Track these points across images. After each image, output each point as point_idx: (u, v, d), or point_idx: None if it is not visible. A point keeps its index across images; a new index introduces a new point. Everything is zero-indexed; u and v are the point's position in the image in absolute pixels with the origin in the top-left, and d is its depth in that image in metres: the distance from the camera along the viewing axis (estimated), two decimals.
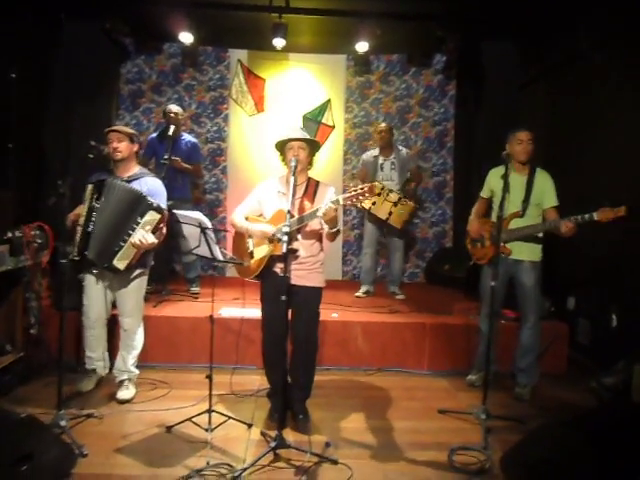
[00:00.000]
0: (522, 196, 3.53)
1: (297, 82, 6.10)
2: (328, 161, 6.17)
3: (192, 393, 3.45)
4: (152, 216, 3.14)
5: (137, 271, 3.34)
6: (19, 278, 3.66)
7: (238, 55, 6.04)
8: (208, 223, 2.80)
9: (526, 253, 3.58)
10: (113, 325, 3.57)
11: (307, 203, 3.04)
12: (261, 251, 3.07)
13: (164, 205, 3.33)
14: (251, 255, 3.16)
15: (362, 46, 5.34)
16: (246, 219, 3.21)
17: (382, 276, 5.86)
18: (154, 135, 5.05)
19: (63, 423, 2.76)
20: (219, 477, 2.52)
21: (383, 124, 5.20)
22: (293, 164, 2.91)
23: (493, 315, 3.74)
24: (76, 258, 3.15)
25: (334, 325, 4.20)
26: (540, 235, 3.60)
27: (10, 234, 3.45)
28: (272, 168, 5.41)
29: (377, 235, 5.18)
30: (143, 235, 3.09)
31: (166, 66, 6.00)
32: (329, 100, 6.12)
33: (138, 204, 3.14)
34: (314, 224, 3.02)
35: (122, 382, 3.42)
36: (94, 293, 3.33)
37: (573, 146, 4.71)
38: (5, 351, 3.63)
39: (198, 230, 2.78)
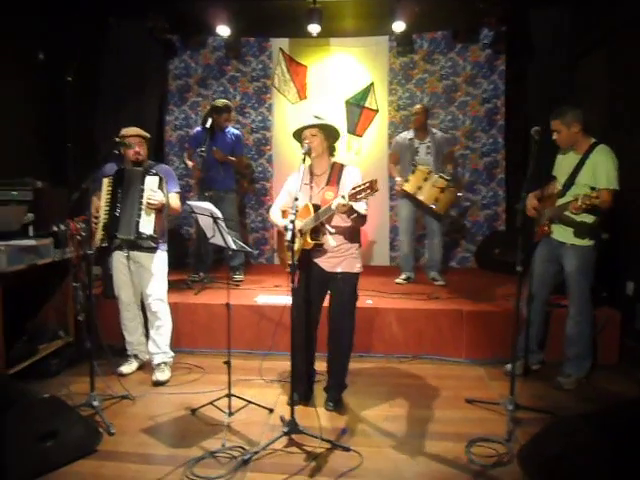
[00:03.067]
0: (567, 176, 3.32)
1: (339, 67, 6.04)
2: (373, 145, 6.09)
3: (224, 378, 3.52)
4: (151, 179, 3.42)
5: (158, 254, 3.56)
6: (69, 269, 3.94)
7: (280, 44, 6.06)
8: (218, 213, 2.87)
9: (569, 235, 3.36)
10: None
11: (329, 193, 3.02)
12: (296, 244, 3.10)
13: (177, 186, 3.68)
14: (288, 249, 3.20)
15: (399, 25, 5.18)
16: (283, 212, 3.26)
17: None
18: (199, 128, 5.20)
19: (96, 403, 2.98)
20: (231, 459, 2.60)
21: (418, 105, 5.04)
22: (303, 151, 2.91)
23: (531, 300, 3.60)
24: (105, 244, 3.40)
25: (368, 312, 4.17)
26: (587, 218, 3.29)
27: (55, 228, 3.72)
28: None
29: (413, 220, 5.04)
30: (151, 194, 3.36)
31: (211, 60, 6.15)
32: (372, 83, 6.01)
33: (138, 176, 3.43)
34: (339, 217, 3.00)
35: (158, 365, 3.61)
36: (122, 277, 3.58)
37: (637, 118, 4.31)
38: (57, 336, 3.94)
39: (211, 221, 2.86)
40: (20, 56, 4.97)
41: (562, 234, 3.41)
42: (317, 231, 2.98)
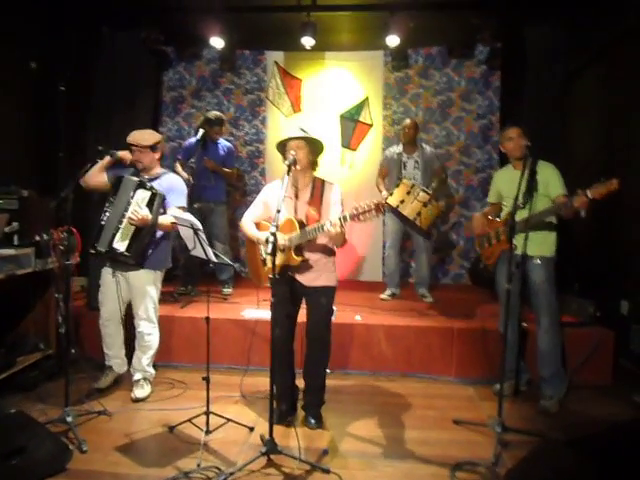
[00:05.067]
0: (523, 189, 3.27)
1: (334, 81, 6.02)
2: (367, 159, 6.04)
3: (205, 394, 3.47)
4: (143, 193, 3.25)
5: (147, 272, 3.41)
6: (51, 279, 3.86)
7: (274, 57, 6.05)
8: (199, 225, 2.80)
9: (534, 248, 3.31)
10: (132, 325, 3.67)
11: (312, 209, 2.97)
12: (277, 259, 3.02)
13: (182, 201, 3.45)
14: (264, 262, 3.13)
15: (393, 40, 5.15)
16: (257, 224, 3.19)
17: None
18: (192, 140, 5.15)
19: (69, 419, 2.88)
20: None
21: (408, 120, 4.99)
22: (287, 162, 2.85)
23: (509, 319, 3.50)
24: (91, 252, 3.28)
25: (357, 328, 4.09)
26: (550, 229, 3.36)
27: (38, 237, 3.65)
28: None
29: (400, 235, 4.99)
30: (136, 208, 3.17)
31: (205, 71, 6.14)
32: (367, 98, 5.99)
33: (131, 187, 3.27)
34: (320, 236, 2.93)
35: (138, 381, 3.51)
36: (108, 291, 3.44)
37: (638, 132, 4.27)
38: (38, 348, 3.85)
39: (192, 232, 2.79)
40: (12, 65, 4.94)
41: (529, 248, 3.33)
42: (300, 248, 2.92)
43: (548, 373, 3.39)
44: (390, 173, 4.95)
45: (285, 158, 3.00)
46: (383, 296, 4.97)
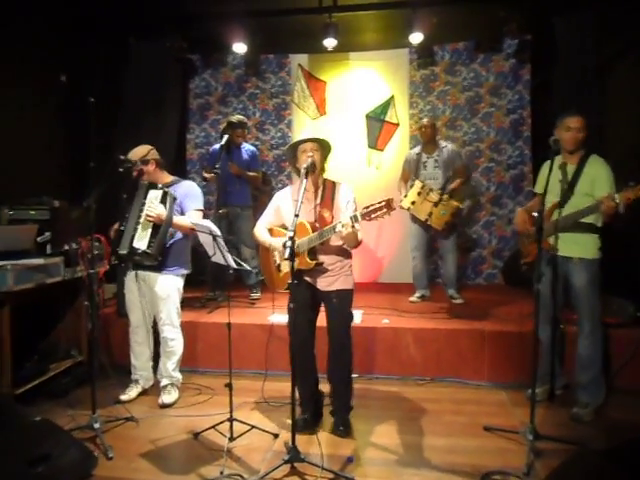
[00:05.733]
0: (565, 185, 3.12)
1: (359, 81, 5.97)
2: (394, 159, 5.95)
3: (233, 399, 3.45)
4: (154, 193, 3.34)
5: (169, 277, 3.45)
6: (80, 287, 3.94)
7: (299, 60, 6.05)
8: (218, 232, 2.79)
9: (575, 249, 3.15)
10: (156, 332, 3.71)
11: (326, 211, 2.93)
12: (288, 265, 2.99)
13: (198, 204, 3.50)
14: (278, 268, 3.12)
15: (417, 37, 5.06)
16: (270, 231, 3.17)
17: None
18: (216, 146, 5.18)
19: (97, 425, 2.92)
20: None
21: (425, 119, 4.89)
22: (305, 166, 2.81)
23: (543, 320, 3.37)
24: (115, 262, 3.34)
25: (384, 332, 4.01)
26: (592, 231, 3.13)
27: (67, 247, 3.72)
28: (335, 171, 5.34)
29: (425, 236, 4.87)
30: (150, 206, 3.26)
31: (231, 77, 6.19)
32: (392, 97, 5.91)
33: (143, 189, 3.38)
34: (334, 237, 2.88)
35: (165, 387, 3.53)
36: (132, 298, 3.50)
37: None
38: (70, 355, 3.93)
39: (211, 238, 2.79)
40: (44, 78, 5.09)
41: (568, 249, 3.20)
42: (314, 251, 2.87)
43: (585, 379, 3.23)
44: (410, 175, 4.86)
45: (294, 162, 2.97)
46: (412, 299, 4.88)
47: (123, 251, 3.31)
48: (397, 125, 5.92)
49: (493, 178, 5.80)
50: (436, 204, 4.37)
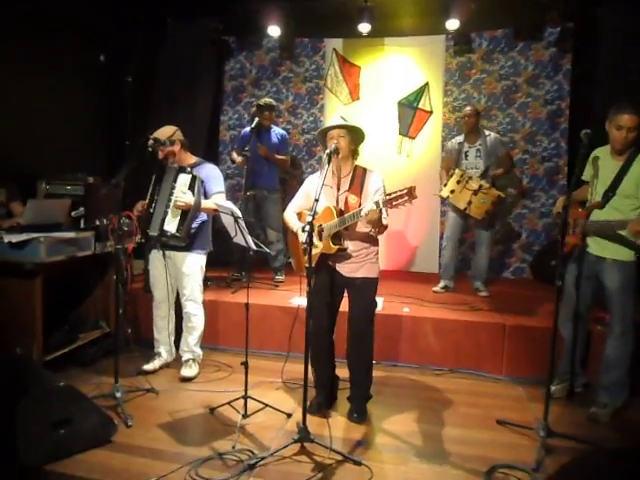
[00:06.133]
0: (608, 185, 3.01)
1: (393, 67, 5.89)
2: (426, 147, 5.89)
3: (250, 378, 3.51)
4: (184, 178, 3.41)
5: (193, 255, 3.56)
6: (110, 262, 4.07)
7: (334, 44, 6.00)
8: (239, 213, 2.84)
9: (609, 250, 3.04)
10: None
11: (353, 197, 2.94)
12: (317, 249, 3.03)
13: (220, 186, 3.58)
14: (304, 252, 3.14)
15: (453, 23, 4.96)
16: (299, 215, 3.20)
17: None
18: (247, 129, 5.24)
19: (118, 395, 3.04)
20: (238, 462, 2.56)
21: (468, 107, 4.77)
22: (328, 151, 2.83)
23: (568, 317, 3.32)
24: (142, 240, 3.45)
25: (405, 320, 4.02)
26: (629, 245, 2.97)
27: (98, 222, 3.85)
28: (365, 157, 5.32)
29: (461, 226, 4.80)
30: (179, 194, 3.36)
31: (265, 60, 6.20)
32: (426, 84, 5.81)
33: (172, 173, 3.44)
34: (360, 222, 2.88)
35: (187, 361, 3.65)
36: (157, 275, 3.63)
37: None
38: (98, 326, 4.08)
39: (232, 220, 2.84)
40: (83, 58, 5.23)
41: (601, 248, 3.09)
42: (339, 236, 2.88)
43: (608, 380, 3.16)
44: (452, 164, 4.77)
45: (326, 147, 2.97)
46: (436, 289, 4.85)
47: (154, 233, 3.44)
48: (430, 113, 5.83)
49: (527, 170, 5.67)
50: (475, 192, 4.29)
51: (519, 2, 5.11)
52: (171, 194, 3.39)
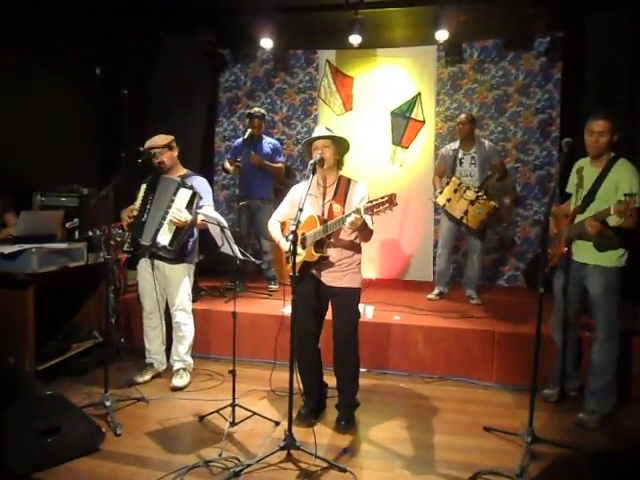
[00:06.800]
0: (587, 190, 3.07)
1: (386, 78, 5.97)
2: (419, 157, 5.94)
3: (240, 387, 3.55)
4: (184, 193, 3.41)
5: (182, 266, 3.59)
6: (102, 272, 4.11)
7: (327, 56, 6.09)
8: (225, 223, 2.89)
9: (591, 256, 3.08)
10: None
11: (337, 206, 2.97)
12: (299, 257, 3.07)
13: (210, 199, 3.60)
14: (287, 260, 3.18)
15: (442, 34, 5.03)
16: (283, 224, 3.24)
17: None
18: (240, 139, 5.30)
19: (108, 403, 3.06)
20: (224, 470, 2.58)
21: (463, 115, 4.81)
22: (313, 161, 2.87)
23: (560, 325, 3.36)
24: (130, 249, 3.48)
25: (395, 328, 4.04)
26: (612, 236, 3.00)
27: (90, 233, 3.90)
28: (359, 167, 5.41)
29: (455, 234, 4.85)
30: (176, 212, 3.35)
31: (259, 72, 6.29)
32: (419, 94, 5.88)
33: (173, 186, 3.44)
34: (344, 230, 2.92)
35: (177, 371, 3.67)
36: (145, 285, 3.65)
37: None
38: (91, 336, 4.11)
39: (219, 229, 2.89)
40: (79, 71, 5.31)
41: (584, 255, 3.14)
42: (321, 244, 2.92)
43: (595, 386, 3.17)
44: (445, 171, 4.81)
45: (311, 157, 3.02)
46: (431, 296, 4.88)
47: (145, 242, 3.44)
48: (423, 123, 5.89)
49: (519, 179, 5.71)
50: (472, 202, 4.33)
51: (509, 13, 5.18)
52: (169, 207, 3.39)
